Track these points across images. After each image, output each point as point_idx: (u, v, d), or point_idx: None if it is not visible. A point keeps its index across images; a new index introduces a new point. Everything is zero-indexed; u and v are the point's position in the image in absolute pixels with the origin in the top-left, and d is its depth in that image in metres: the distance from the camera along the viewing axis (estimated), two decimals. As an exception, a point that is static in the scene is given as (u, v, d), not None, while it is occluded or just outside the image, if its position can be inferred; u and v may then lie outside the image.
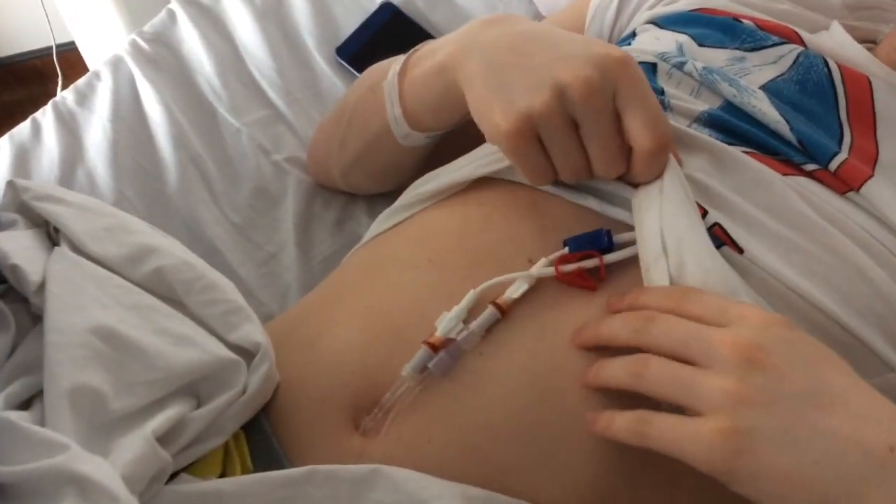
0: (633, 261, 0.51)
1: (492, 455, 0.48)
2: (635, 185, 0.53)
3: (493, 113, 0.51)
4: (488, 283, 0.51)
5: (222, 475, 0.50)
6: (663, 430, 0.42)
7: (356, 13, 0.95)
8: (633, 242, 0.52)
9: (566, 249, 0.52)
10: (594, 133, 0.50)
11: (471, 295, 0.51)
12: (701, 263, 0.49)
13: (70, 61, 1.67)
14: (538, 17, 0.95)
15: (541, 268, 0.51)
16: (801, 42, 0.64)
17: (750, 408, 0.40)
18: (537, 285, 0.51)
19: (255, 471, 0.50)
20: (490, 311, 0.50)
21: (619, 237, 0.53)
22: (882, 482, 0.38)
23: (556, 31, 0.54)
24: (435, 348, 0.49)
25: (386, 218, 0.64)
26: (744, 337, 0.42)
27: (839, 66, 0.61)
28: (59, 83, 1.61)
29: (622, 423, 0.44)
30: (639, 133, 0.49)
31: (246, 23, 0.93)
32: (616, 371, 0.45)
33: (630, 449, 0.44)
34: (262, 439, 0.52)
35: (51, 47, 1.66)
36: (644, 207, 0.51)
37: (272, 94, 0.90)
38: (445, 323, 0.50)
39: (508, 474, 0.47)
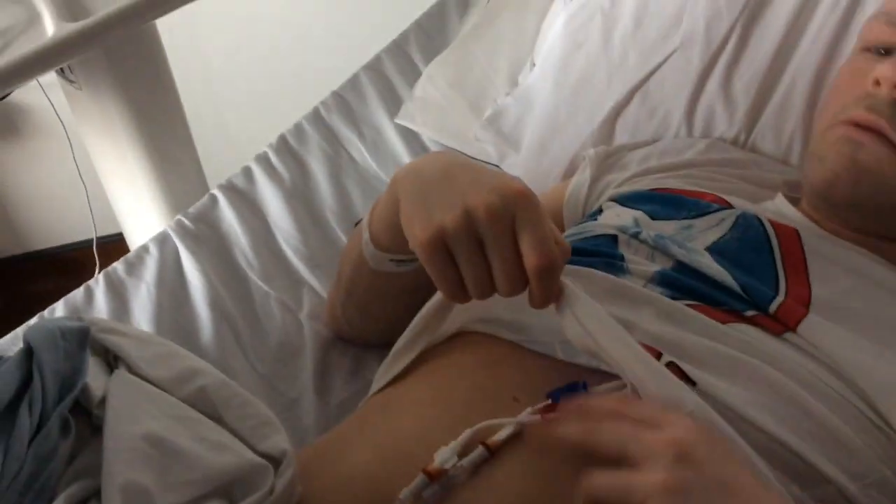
0: None
1: None
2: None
3: (415, 224, 0.59)
4: (482, 423, 0.57)
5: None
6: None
7: (370, 193, 1.11)
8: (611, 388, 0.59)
9: (549, 401, 0.58)
10: (495, 251, 0.56)
11: (466, 433, 0.57)
12: (653, 378, 0.56)
13: (107, 252, 1.65)
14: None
15: (527, 415, 0.57)
16: (731, 207, 0.76)
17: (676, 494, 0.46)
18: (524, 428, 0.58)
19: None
20: (479, 450, 0.56)
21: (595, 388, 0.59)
22: None
23: (482, 166, 0.63)
24: (431, 476, 0.55)
25: (389, 365, 0.72)
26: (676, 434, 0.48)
27: (771, 223, 0.73)
28: (97, 273, 1.70)
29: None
30: (527, 253, 0.56)
31: (276, 203, 1.08)
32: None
33: None
34: None
35: (91, 239, 1.73)
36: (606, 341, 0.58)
37: (297, 263, 1.02)
38: (442, 456, 0.56)
39: None
